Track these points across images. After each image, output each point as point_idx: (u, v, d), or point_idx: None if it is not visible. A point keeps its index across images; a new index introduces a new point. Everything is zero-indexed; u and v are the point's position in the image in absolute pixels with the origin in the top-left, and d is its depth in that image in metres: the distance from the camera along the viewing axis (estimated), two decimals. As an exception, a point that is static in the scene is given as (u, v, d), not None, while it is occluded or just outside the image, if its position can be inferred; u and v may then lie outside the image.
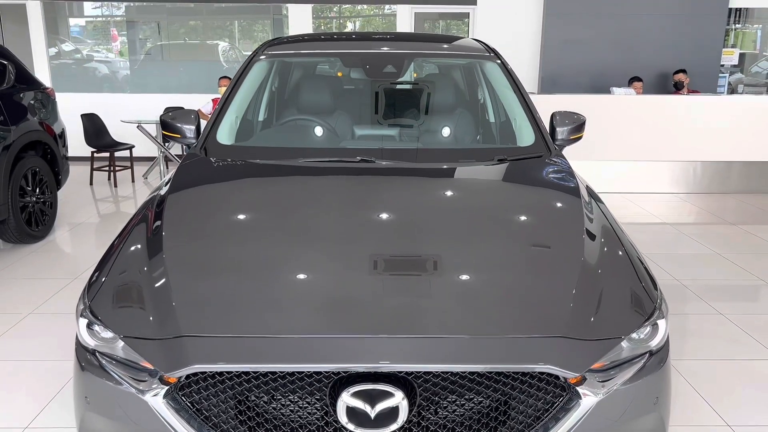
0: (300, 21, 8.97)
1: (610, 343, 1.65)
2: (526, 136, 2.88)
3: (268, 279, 1.80)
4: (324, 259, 1.89)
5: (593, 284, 1.81)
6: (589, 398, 1.60)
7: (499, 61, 3.18)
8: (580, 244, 1.97)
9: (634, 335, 1.70)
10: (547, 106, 7.11)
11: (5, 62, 5.15)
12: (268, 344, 1.57)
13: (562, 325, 1.64)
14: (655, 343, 1.76)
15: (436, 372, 1.53)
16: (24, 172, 4.99)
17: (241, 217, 2.20)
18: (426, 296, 1.75)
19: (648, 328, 1.74)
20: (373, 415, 1.49)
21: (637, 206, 6.66)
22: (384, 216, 2.16)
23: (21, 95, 5.16)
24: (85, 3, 9.48)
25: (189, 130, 2.85)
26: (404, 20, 8.98)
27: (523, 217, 2.23)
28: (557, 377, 1.58)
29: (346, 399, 1.49)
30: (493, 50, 3.28)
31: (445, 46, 3.46)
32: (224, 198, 2.35)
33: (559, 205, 2.34)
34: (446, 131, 2.96)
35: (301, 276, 1.84)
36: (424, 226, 2.09)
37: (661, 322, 1.77)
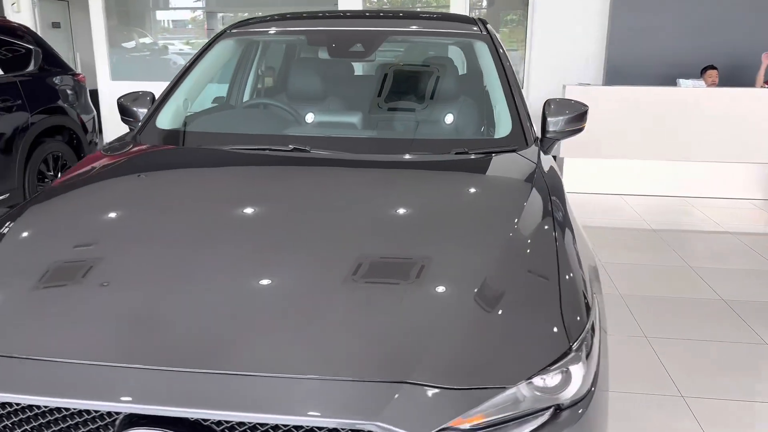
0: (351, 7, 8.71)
1: (487, 394, 1.24)
2: (503, 127, 2.46)
3: (72, 289, 1.50)
4: (148, 266, 1.55)
5: (486, 313, 1.40)
6: None
7: (486, 41, 2.77)
8: (488, 262, 1.56)
9: (535, 382, 1.30)
10: (608, 97, 6.56)
11: (31, 47, 5.20)
12: (29, 369, 1.26)
13: (416, 366, 1.25)
14: (567, 395, 1.34)
15: (237, 421, 1.19)
16: (44, 157, 5.02)
17: (93, 216, 1.88)
18: (253, 320, 1.38)
19: (557, 375, 1.33)
20: None
21: (702, 213, 5.94)
22: (253, 218, 1.81)
23: (47, 80, 5.20)
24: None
25: (143, 114, 2.63)
26: (459, 7, 8.53)
27: (430, 225, 1.80)
28: None
29: None
30: (485, 27, 2.87)
31: (427, 23, 3.05)
32: (90, 193, 2.04)
33: (486, 212, 1.91)
34: (412, 119, 2.58)
35: (112, 287, 1.49)
36: (298, 230, 1.71)
37: (576, 369, 1.34)
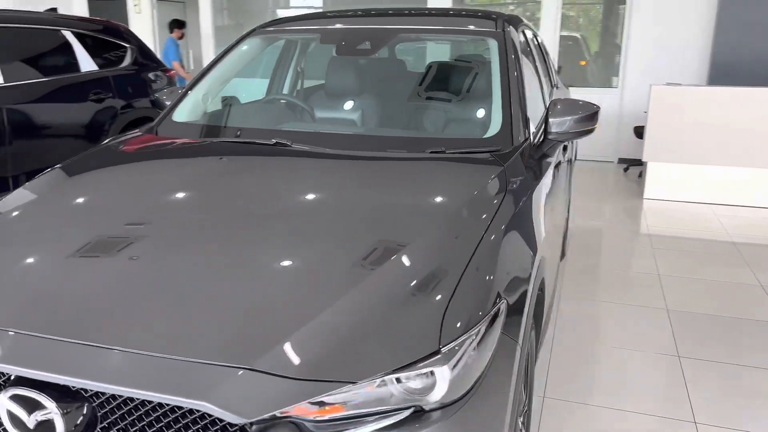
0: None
1: (330, 386, 1.26)
2: (493, 127, 2.41)
3: None
4: (71, 243, 1.69)
5: (361, 305, 1.41)
6: None
7: (498, 39, 2.71)
8: (386, 254, 1.56)
9: (403, 380, 1.30)
10: (699, 98, 6.06)
11: (127, 45, 5.71)
12: None
13: (263, 353, 1.29)
14: (432, 398, 1.32)
15: (104, 391, 1.30)
16: (132, 145, 5.51)
17: (53, 197, 2.07)
18: (137, 299, 1.46)
19: (420, 376, 1.32)
20: (31, 425, 1.33)
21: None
22: (181, 207, 1.92)
23: (139, 75, 5.70)
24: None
25: None
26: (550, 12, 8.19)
27: (347, 215, 1.80)
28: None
29: (4, 401, 1.34)
30: (503, 24, 2.80)
31: (445, 20, 3.02)
32: (64, 178, 2.23)
33: (413, 207, 1.87)
34: (405, 117, 2.57)
35: (36, 259, 1.65)
36: (214, 219, 1.79)
37: (441, 372, 1.32)
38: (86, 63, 5.20)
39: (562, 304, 3.72)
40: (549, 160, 2.59)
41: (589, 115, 2.50)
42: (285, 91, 3.51)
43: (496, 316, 1.51)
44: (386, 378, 1.29)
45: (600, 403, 2.73)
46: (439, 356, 1.33)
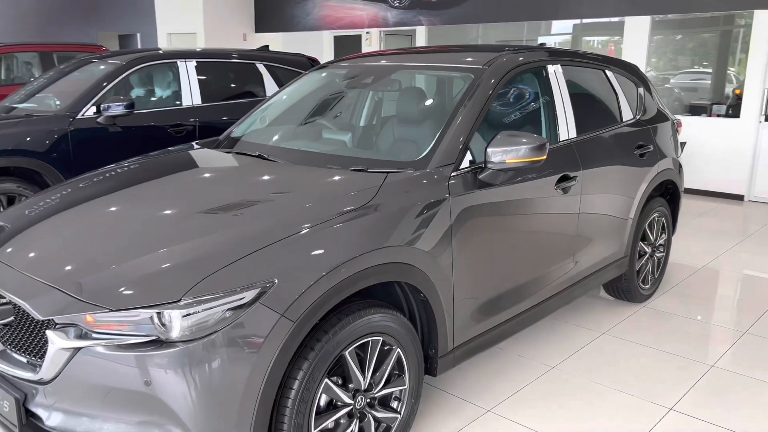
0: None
1: (96, 308, 1.91)
2: (422, 151, 2.74)
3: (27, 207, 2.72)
4: (63, 201, 2.71)
5: (163, 255, 2.07)
6: (56, 343, 1.92)
7: (475, 74, 2.97)
8: (223, 218, 2.30)
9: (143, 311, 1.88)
10: None
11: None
12: None
13: (79, 279, 2.03)
14: (173, 334, 1.86)
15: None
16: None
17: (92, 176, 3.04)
18: (64, 236, 2.37)
19: (164, 315, 1.86)
20: None
21: None
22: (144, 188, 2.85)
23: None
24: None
25: None
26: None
27: (239, 195, 2.55)
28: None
29: None
30: (486, 66, 3.03)
31: (432, 60, 3.37)
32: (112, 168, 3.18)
33: (284, 197, 2.55)
34: (379, 141, 2.98)
35: (37, 209, 2.65)
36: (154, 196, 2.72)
37: (174, 315, 1.85)
38: (272, 89, 6.44)
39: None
40: (492, 187, 2.76)
41: (530, 149, 2.63)
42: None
43: (263, 292, 1.96)
44: (140, 310, 1.88)
45: None
46: (176, 303, 1.86)
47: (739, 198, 7.54)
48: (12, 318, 2.13)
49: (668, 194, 4.39)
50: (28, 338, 2.08)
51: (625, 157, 3.74)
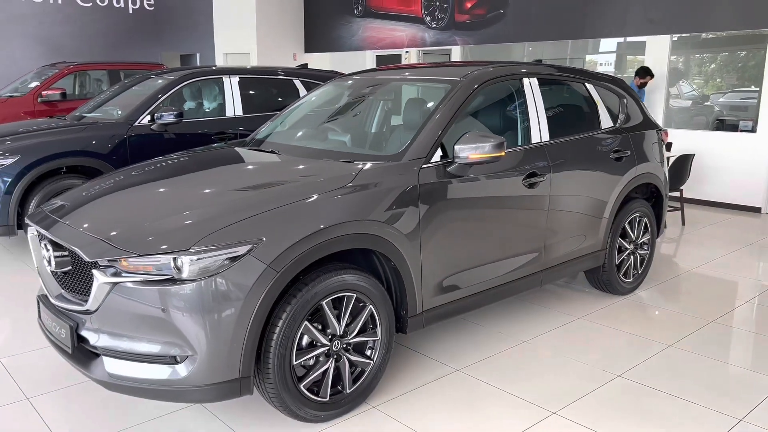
0: None
1: (124, 253, 2.54)
2: (402, 146, 3.29)
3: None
4: (125, 180, 3.45)
5: (191, 214, 2.73)
6: (99, 279, 2.55)
7: (453, 85, 3.52)
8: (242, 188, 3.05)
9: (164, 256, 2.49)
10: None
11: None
12: None
13: (122, 233, 2.68)
14: (184, 275, 2.47)
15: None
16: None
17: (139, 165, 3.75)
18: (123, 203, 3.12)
19: (177, 260, 2.48)
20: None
21: None
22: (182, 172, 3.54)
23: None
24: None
25: None
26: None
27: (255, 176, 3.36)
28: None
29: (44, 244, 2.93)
30: (464, 78, 3.58)
31: (422, 73, 3.95)
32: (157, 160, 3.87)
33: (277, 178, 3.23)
34: (370, 140, 3.55)
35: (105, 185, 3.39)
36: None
37: (185, 260, 2.46)
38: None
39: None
40: (460, 179, 3.29)
41: (495, 145, 3.16)
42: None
43: (253, 247, 2.56)
44: (161, 256, 2.50)
45: None
46: (188, 251, 2.48)
47: (756, 210, 7.76)
48: (70, 267, 2.79)
49: (653, 197, 4.79)
50: (80, 281, 2.74)
51: (600, 160, 4.19)
